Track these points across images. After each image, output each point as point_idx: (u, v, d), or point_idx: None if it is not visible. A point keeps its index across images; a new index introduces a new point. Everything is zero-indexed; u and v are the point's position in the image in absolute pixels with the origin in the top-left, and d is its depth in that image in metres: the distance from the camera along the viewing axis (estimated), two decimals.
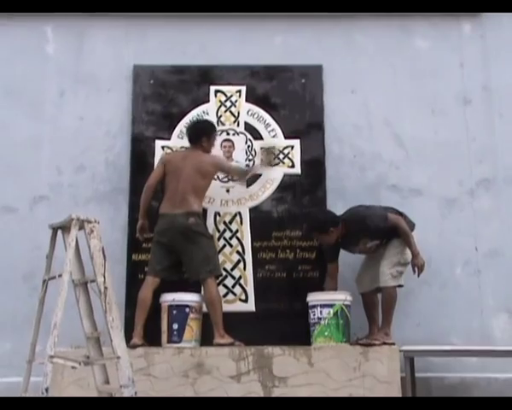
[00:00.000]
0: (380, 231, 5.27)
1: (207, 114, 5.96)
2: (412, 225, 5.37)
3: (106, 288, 3.73)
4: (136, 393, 3.68)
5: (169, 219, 5.30)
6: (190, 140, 5.59)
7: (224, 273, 5.63)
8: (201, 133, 5.57)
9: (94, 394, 4.12)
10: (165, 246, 5.32)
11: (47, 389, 3.41)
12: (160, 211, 5.40)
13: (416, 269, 5.21)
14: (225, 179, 5.80)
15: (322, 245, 5.54)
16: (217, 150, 5.83)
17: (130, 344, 4.76)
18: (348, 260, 5.60)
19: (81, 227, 3.80)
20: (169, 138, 5.90)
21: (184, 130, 5.80)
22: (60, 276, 3.71)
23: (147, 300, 5.25)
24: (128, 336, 4.86)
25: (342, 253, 5.54)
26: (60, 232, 3.98)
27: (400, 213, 5.39)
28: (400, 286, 5.27)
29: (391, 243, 5.32)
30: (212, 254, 5.33)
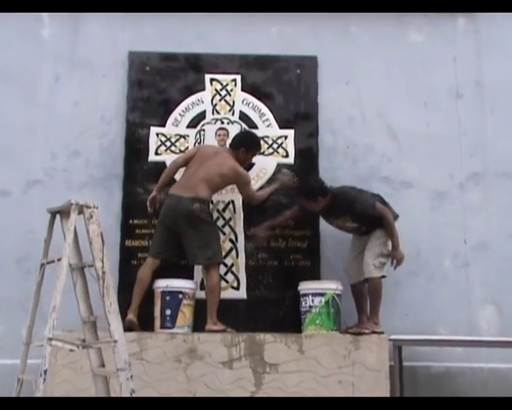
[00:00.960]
0: (364, 216, 5.35)
1: (202, 102, 5.98)
2: (396, 216, 5.44)
3: (104, 272, 3.77)
4: (132, 376, 3.73)
5: (175, 200, 5.34)
6: (231, 144, 5.67)
7: None
8: (243, 143, 5.62)
9: (87, 377, 4.18)
10: (167, 228, 5.36)
11: (45, 371, 3.45)
12: (169, 191, 5.45)
13: (395, 261, 5.31)
14: None
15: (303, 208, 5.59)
16: (211, 139, 5.88)
17: (125, 321, 4.77)
18: (338, 251, 5.69)
19: (80, 212, 3.83)
20: (163, 125, 5.92)
21: (180, 119, 5.89)
22: (58, 260, 3.74)
23: (145, 279, 5.31)
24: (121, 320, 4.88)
25: (334, 243, 5.64)
26: (58, 217, 4.00)
27: (385, 203, 5.46)
28: (383, 277, 5.33)
29: (374, 235, 5.39)
30: (212, 242, 5.36)
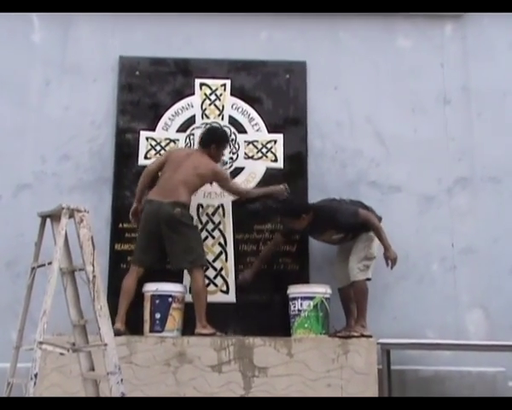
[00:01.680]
0: (348, 225, 5.38)
1: (192, 106, 6.01)
2: (379, 219, 5.48)
3: (94, 276, 3.78)
4: (122, 380, 3.74)
5: (155, 206, 5.33)
6: (200, 143, 5.67)
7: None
8: (212, 140, 5.63)
9: (77, 381, 4.19)
10: (149, 234, 5.35)
11: (36, 375, 3.46)
12: (148, 197, 5.45)
13: (390, 262, 5.33)
14: None
15: (287, 228, 5.60)
16: None
17: (113, 329, 4.79)
18: (327, 255, 5.73)
19: (71, 216, 3.84)
20: (153, 130, 5.94)
21: (170, 123, 5.92)
22: (49, 264, 3.75)
23: (130, 289, 5.30)
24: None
25: (322, 248, 5.68)
26: (48, 221, 4.01)
27: (367, 208, 5.50)
28: (368, 279, 5.36)
29: (358, 239, 5.42)
30: (195, 245, 5.34)
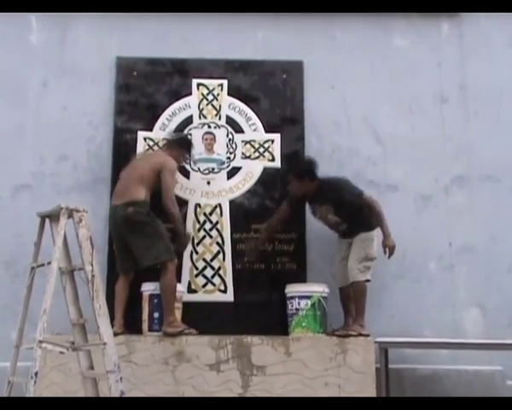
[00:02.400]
0: (348, 208, 5.37)
1: (189, 106, 6.02)
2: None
3: (93, 276, 3.81)
4: (121, 378, 3.76)
5: (112, 211, 5.35)
6: (163, 145, 5.74)
7: (204, 264, 5.73)
8: (174, 142, 5.69)
9: (76, 379, 4.23)
10: (117, 241, 5.36)
11: (36, 374, 3.48)
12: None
13: (387, 250, 5.32)
14: (206, 171, 5.88)
15: (289, 192, 5.62)
16: (198, 143, 5.92)
17: None
18: (325, 254, 5.74)
19: (70, 216, 3.87)
20: (151, 130, 5.96)
21: (167, 123, 5.94)
22: (48, 263, 3.77)
23: (123, 293, 5.34)
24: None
25: (320, 247, 5.71)
26: (47, 221, 4.03)
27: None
28: (367, 281, 5.34)
29: (357, 238, 5.39)
30: (155, 241, 5.19)
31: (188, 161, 5.84)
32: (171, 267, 5.19)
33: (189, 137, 5.87)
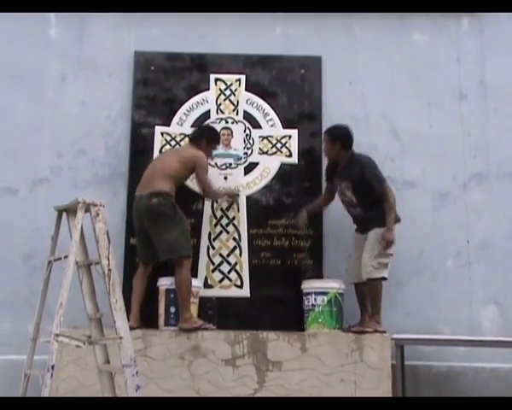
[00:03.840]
0: (367, 189, 5.31)
1: (207, 101, 6.03)
2: (398, 219, 5.40)
3: (110, 270, 3.82)
4: (137, 373, 3.78)
5: (136, 201, 5.34)
6: (191, 139, 5.67)
7: (220, 259, 5.74)
8: (204, 135, 5.64)
9: (92, 373, 4.25)
10: (139, 231, 5.36)
11: (53, 367, 3.51)
12: None
13: (384, 242, 5.22)
14: (223, 167, 5.89)
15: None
16: None
17: None
18: (341, 251, 5.73)
19: (87, 210, 3.88)
20: (168, 125, 5.96)
21: (185, 118, 5.94)
22: (65, 257, 3.79)
23: (140, 286, 5.36)
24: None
25: (336, 243, 5.71)
26: (64, 215, 4.05)
27: None
28: (383, 279, 5.27)
29: (371, 234, 5.33)
30: (176, 236, 5.20)
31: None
32: (187, 264, 5.20)
33: (217, 131, 5.82)
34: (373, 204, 5.33)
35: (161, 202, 5.20)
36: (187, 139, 5.80)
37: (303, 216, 5.66)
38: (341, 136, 5.48)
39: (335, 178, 5.58)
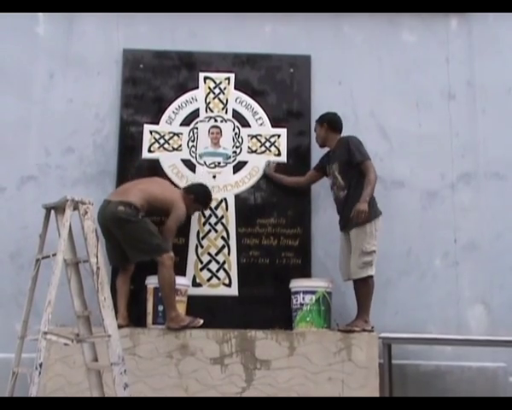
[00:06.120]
0: (352, 169, 5.35)
1: (196, 100, 6.02)
2: (379, 212, 5.39)
3: (98, 268, 3.82)
4: (125, 371, 3.77)
5: (102, 205, 5.24)
6: (184, 188, 5.65)
7: (209, 258, 5.73)
8: (194, 191, 5.61)
9: (80, 371, 4.26)
10: (105, 235, 5.24)
11: (41, 365, 3.50)
12: None
13: (354, 211, 5.18)
14: (212, 165, 5.88)
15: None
16: (205, 137, 5.93)
17: None
18: (329, 250, 5.73)
19: (75, 208, 3.88)
20: (157, 123, 5.94)
21: (173, 116, 5.94)
22: (54, 255, 3.78)
23: (123, 287, 5.36)
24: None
25: (325, 242, 5.72)
26: (52, 213, 4.04)
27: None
28: (369, 277, 5.25)
29: (352, 235, 5.32)
30: (146, 236, 5.16)
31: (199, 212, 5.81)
32: (168, 262, 5.13)
33: (211, 195, 5.74)
34: (356, 184, 5.33)
35: (127, 211, 5.13)
36: (174, 126, 5.87)
37: (271, 169, 5.85)
38: (328, 118, 5.61)
39: (328, 166, 5.61)
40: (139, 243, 5.15)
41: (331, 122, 5.61)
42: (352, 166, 5.37)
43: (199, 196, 5.63)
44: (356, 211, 5.17)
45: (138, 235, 5.15)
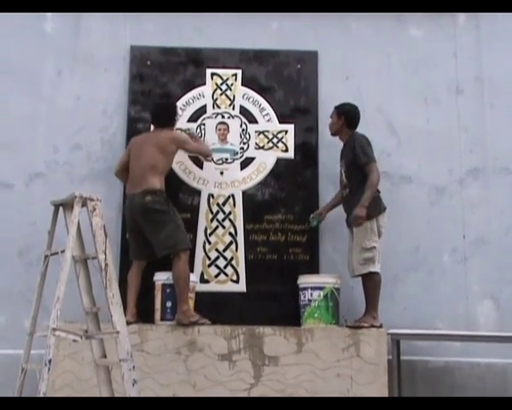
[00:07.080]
0: (357, 169, 5.33)
1: (203, 96, 6.02)
2: (384, 208, 5.38)
3: (107, 264, 3.82)
4: (134, 367, 3.78)
5: (129, 199, 5.35)
6: (157, 124, 5.63)
7: (216, 254, 5.74)
8: (172, 117, 5.65)
9: (89, 367, 4.27)
10: (132, 230, 5.36)
11: (50, 361, 3.50)
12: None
13: (352, 216, 5.22)
14: (219, 162, 5.88)
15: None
16: (212, 133, 5.94)
17: None
18: (337, 246, 5.74)
19: (83, 205, 3.88)
20: None
21: (181, 113, 5.93)
22: (62, 252, 3.78)
23: (134, 282, 5.37)
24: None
25: (333, 238, 5.72)
26: (61, 209, 4.04)
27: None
28: (372, 273, 5.21)
29: (354, 232, 5.31)
30: (172, 230, 5.22)
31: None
32: (185, 257, 5.20)
33: (172, 103, 5.85)
34: (359, 184, 5.32)
35: (155, 200, 5.22)
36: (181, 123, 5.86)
37: (321, 214, 5.72)
38: (347, 112, 5.55)
39: (340, 161, 5.62)
40: (167, 237, 5.18)
41: (349, 117, 5.54)
42: (356, 166, 5.36)
43: (171, 114, 5.66)
44: (353, 216, 5.20)
45: (167, 229, 5.20)
